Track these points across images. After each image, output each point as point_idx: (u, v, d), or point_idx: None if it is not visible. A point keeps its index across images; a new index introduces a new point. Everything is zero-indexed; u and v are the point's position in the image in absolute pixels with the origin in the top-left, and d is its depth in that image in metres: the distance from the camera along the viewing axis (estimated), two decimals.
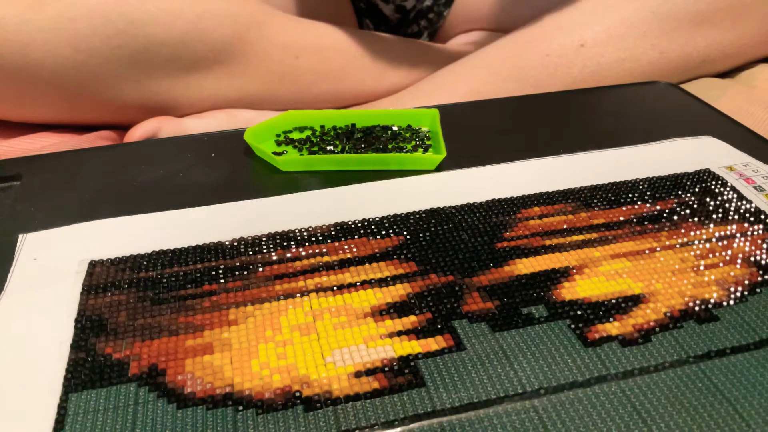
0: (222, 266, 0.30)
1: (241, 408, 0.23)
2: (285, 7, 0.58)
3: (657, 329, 0.26)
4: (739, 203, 0.34)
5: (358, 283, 0.29)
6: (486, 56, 0.56)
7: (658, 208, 0.34)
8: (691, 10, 0.52)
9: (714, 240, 0.31)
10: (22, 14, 0.43)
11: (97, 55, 0.45)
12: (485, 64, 0.55)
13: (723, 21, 0.53)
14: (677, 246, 0.31)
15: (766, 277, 0.29)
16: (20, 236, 0.32)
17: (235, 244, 0.32)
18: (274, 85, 0.53)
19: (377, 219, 0.33)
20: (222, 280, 0.29)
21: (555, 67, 0.53)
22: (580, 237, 0.32)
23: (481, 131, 0.43)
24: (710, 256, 0.30)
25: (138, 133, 0.48)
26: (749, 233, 0.32)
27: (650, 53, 0.53)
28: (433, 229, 0.32)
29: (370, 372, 0.25)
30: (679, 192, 0.35)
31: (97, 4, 0.44)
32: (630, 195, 0.35)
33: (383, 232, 0.32)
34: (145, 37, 0.46)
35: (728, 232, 0.32)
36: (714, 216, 0.33)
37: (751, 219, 0.33)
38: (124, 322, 0.27)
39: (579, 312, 0.27)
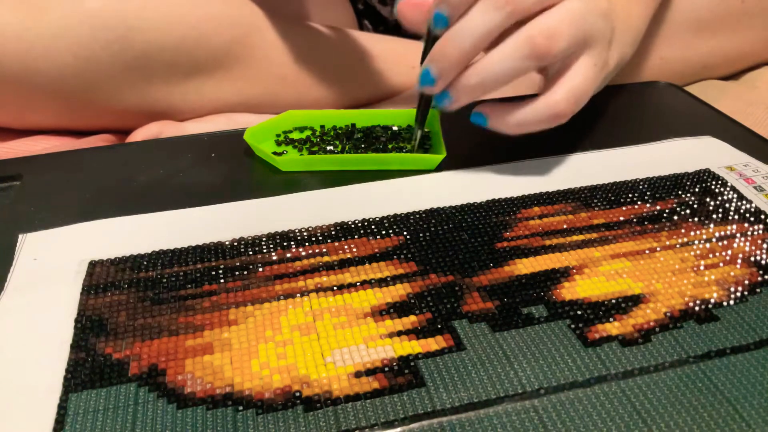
0: (222, 266, 0.30)
1: (241, 408, 0.23)
2: (285, 9, 0.58)
3: (657, 329, 0.26)
4: (739, 203, 0.34)
5: (358, 283, 0.29)
6: None
7: (658, 208, 0.34)
8: (690, 17, 0.52)
9: (714, 240, 0.31)
10: (21, 22, 0.43)
11: (97, 61, 0.45)
12: None
13: (723, 28, 0.53)
14: (677, 246, 0.31)
15: (766, 277, 0.29)
16: (20, 236, 0.32)
17: (235, 244, 0.32)
18: (274, 89, 0.53)
19: (377, 219, 0.33)
20: (222, 280, 0.29)
21: None
22: (580, 237, 0.32)
23: (481, 131, 0.43)
24: (710, 256, 0.30)
25: (139, 137, 0.48)
26: (749, 233, 0.32)
27: (651, 58, 0.53)
28: (433, 229, 0.32)
29: (370, 372, 0.25)
30: (679, 192, 0.35)
31: (97, 10, 0.44)
32: (630, 195, 0.35)
33: (383, 232, 0.32)
34: (144, 43, 0.46)
35: (728, 232, 0.32)
36: (714, 216, 0.33)
37: (751, 219, 0.33)
38: (124, 322, 0.27)
39: (579, 312, 0.27)
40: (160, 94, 0.49)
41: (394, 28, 0.68)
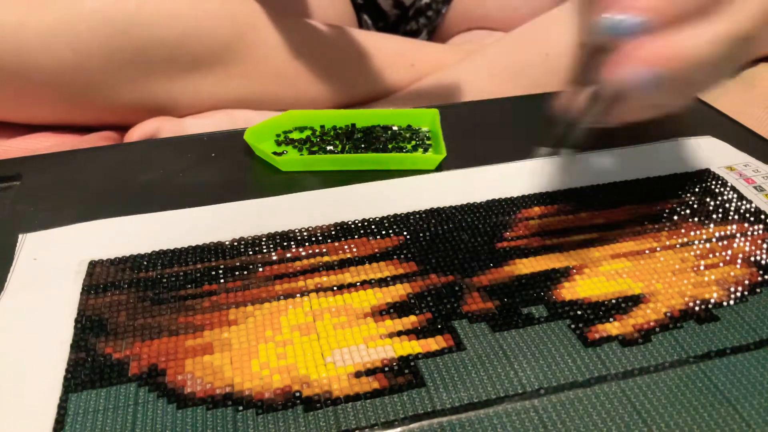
0: (222, 266, 0.30)
1: (241, 408, 0.23)
2: (284, 5, 0.58)
3: (657, 329, 0.26)
4: (739, 203, 0.34)
5: (358, 283, 0.29)
6: (486, 56, 0.56)
7: (658, 208, 0.34)
8: None
9: (714, 240, 0.31)
10: (21, 19, 0.43)
11: (96, 56, 0.45)
12: (485, 64, 0.55)
13: None
14: (677, 246, 0.31)
15: (766, 277, 0.29)
16: (20, 236, 0.32)
17: (235, 244, 0.32)
18: (273, 86, 0.53)
19: (377, 219, 0.33)
20: (222, 280, 0.29)
21: (555, 67, 0.53)
22: (580, 237, 0.32)
23: (481, 131, 0.43)
24: (710, 256, 0.30)
25: (137, 133, 0.48)
26: (749, 233, 0.32)
27: None
28: (433, 229, 0.32)
29: (370, 372, 0.25)
30: (679, 192, 0.35)
31: (97, 6, 0.44)
32: (630, 195, 0.35)
33: (383, 232, 0.32)
34: (143, 39, 0.46)
35: (728, 232, 0.32)
36: (714, 216, 0.33)
37: (751, 219, 0.33)
38: (124, 322, 0.27)
39: (579, 312, 0.27)
40: (159, 90, 0.49)
41: (393, 23, 0.68)
